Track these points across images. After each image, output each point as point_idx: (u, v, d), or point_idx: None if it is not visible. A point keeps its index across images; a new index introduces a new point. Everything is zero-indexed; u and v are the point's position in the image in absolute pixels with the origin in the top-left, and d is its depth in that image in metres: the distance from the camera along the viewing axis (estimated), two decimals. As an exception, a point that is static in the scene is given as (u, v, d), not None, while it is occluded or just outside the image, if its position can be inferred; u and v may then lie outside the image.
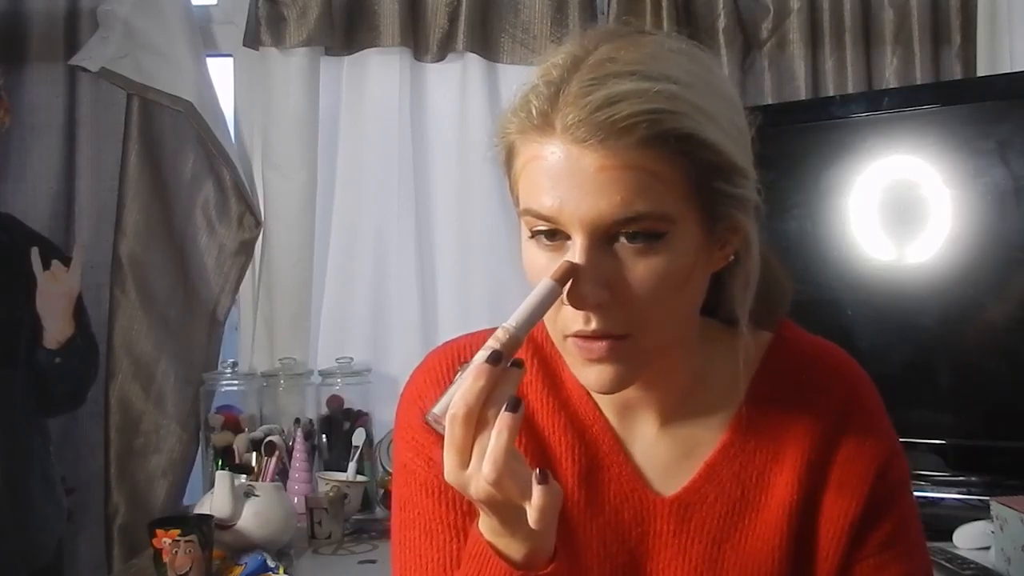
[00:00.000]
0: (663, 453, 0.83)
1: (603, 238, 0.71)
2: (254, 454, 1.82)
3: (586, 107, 0.69)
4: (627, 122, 0.68)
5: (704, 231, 0.74)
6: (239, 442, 1.91)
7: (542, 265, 0.73)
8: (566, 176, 0.70)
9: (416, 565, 0.83)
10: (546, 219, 0.72)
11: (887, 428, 0.84)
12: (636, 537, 0.81)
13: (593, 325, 0.72)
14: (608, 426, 0.83)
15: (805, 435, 0.81)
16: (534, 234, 0.74)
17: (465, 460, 0.69)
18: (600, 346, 0.72)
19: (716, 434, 0.82)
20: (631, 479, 0.82)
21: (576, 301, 0.71)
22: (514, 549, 0.72)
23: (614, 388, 0.75)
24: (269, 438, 1.78)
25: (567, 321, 0.73)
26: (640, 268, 0.71)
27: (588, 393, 0.84)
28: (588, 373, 0.75)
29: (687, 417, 0.83)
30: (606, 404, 0.84)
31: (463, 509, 0.82)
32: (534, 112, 0.71)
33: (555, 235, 0.73)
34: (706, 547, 0.80)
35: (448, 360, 0.87)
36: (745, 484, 0.81)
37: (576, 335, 0.73)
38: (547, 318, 0.74)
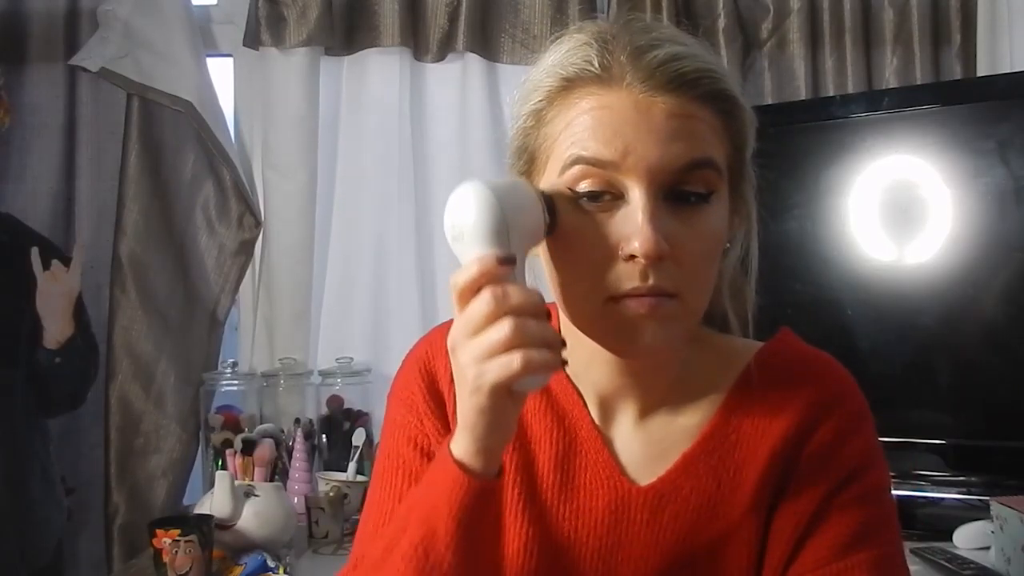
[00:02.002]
0: (641, 444, 0.83)
1: (660, 190, 0.72)
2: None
3: (654, 60, 0.72)
4: (693, 75, 0.73)
5: (728, 204, 0.77)
6: (237, 443, 1.91)
7: (590, 228, 0.73)
8: (634, 124, 0.72)
9: (395, 509, 0.83)
10: (603, 165, 0.72)
11: (866, 437, 0.81)
12: (608, 524, 0.81)
13: (651, 280, 0.72)
14: (588, 414, 0.84)
15: (780, 434, 0.80)
16: (578, 197, 0.74)
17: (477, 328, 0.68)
18: (655, 301, 0.72)
19: (696, 429, 0.82)
20: (607, 466, 0.82)
21: (648, 248, 0.70)
22: (475, 453, 0.71)
23: (655, 349, 0.74)
24: (260, 439, 1.77)
25: (618, 281, 0.72)
26: (693, 226, 0.73)
27: (570, 381, 0.85)
28: (630, 334, 0.73)
29: (668, 412, 0.83)
30: (588, 393, 0.84)
31: None
32: (596, 64, 0.74)
33: (600, 196, 0.73)
34: (678, 538, 0.80)
35: None
36: (721, 479, 0.80)
37: (628, 294, 0.72)
38: (585, 283, 0.74)
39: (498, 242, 0.70)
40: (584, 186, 0.73)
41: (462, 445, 0.72)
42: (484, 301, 0.67)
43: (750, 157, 0.80)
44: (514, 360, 0.66)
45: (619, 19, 0.78)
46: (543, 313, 0.68)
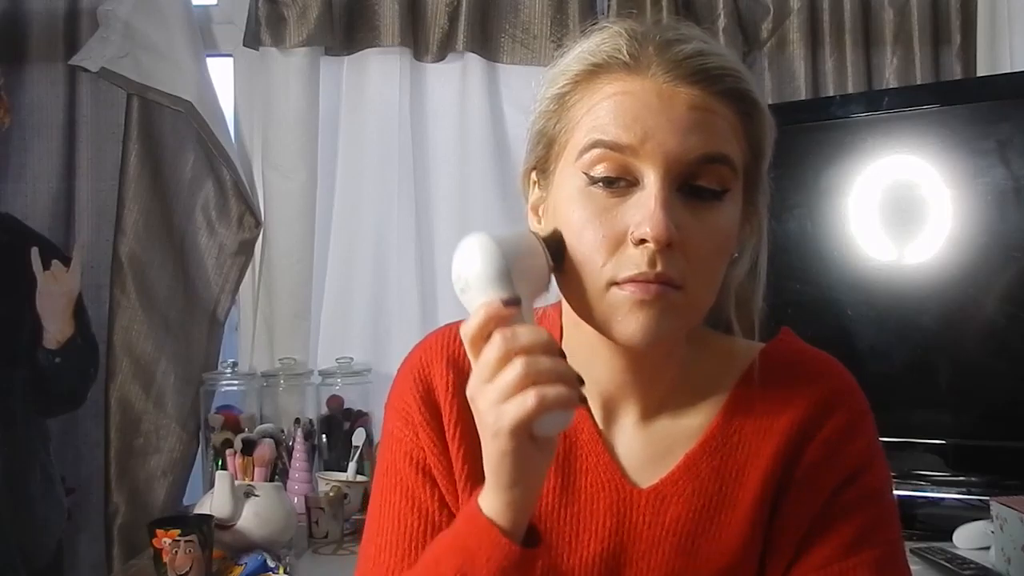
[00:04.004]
0: (643, 446, 0.83)
1: (675, 181, 0.73)
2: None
3: (680, 53, 0.74)
4: (717, 72, 0.74)
5: (741, 210, 0.78)
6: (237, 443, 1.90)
7: (600, 211, 0.74)
8: (655, 112, 0.73)
9: (394, 528, 0.83)
10: (621, 150, 0.73)
11: (867, 436, 0.81)
12: (610, 527, 0.81)
13: (658, 267, 0.72)
14: (589, 416, 0.84)
15: (783, 433, 0.80)
16: (593, 181, 0.74)
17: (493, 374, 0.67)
18: (659, 288, 0.72)
19: (698, 430, 0.82)
20: (608, 469, 0.82)
21: (658, 232, 0.70)
22: (503, 508, 0.70)
23: (654, 337, 0.74)
24: (259, 439, 1.77)
25: (624, 265, 0.73)
26: (704, 221, 0.74)
27: None
28: (630, 320, 0.73)
29: (670, 413, 0.83)
30: (590, 395, 0.83)
31: (439, 492, 0.83)
32: (624, 52, 0.75)
33: (616, 182, 0.74)
34: (680, 540, 0.80)
35: (450, 336, 0.87)
36: (724, 479, 0.80)
37: (633, 279, 0.72)
38: (590, 268, 0.74)
39: (501, 286, 0.70)
40: (600, 170, 0.74)
41: (489, 499, 0.71)
42: (494, 345, 0.67)
43: (767, 169, 0.80)
44: (528, 398, 0.65)
45: (652, 19, 0.80)
46: (556, 350, 0.67)
